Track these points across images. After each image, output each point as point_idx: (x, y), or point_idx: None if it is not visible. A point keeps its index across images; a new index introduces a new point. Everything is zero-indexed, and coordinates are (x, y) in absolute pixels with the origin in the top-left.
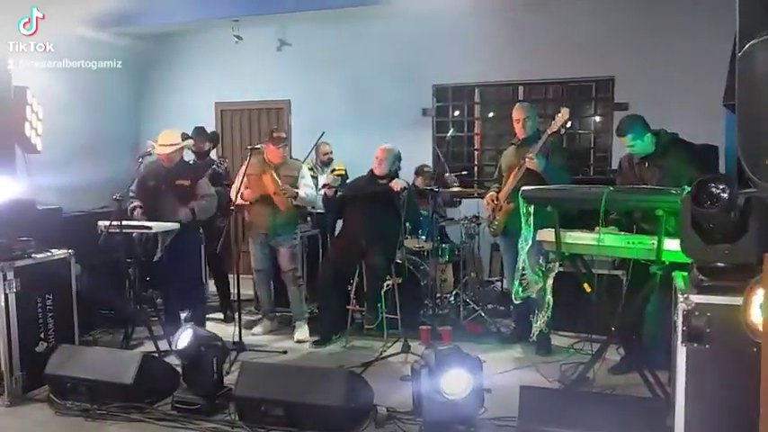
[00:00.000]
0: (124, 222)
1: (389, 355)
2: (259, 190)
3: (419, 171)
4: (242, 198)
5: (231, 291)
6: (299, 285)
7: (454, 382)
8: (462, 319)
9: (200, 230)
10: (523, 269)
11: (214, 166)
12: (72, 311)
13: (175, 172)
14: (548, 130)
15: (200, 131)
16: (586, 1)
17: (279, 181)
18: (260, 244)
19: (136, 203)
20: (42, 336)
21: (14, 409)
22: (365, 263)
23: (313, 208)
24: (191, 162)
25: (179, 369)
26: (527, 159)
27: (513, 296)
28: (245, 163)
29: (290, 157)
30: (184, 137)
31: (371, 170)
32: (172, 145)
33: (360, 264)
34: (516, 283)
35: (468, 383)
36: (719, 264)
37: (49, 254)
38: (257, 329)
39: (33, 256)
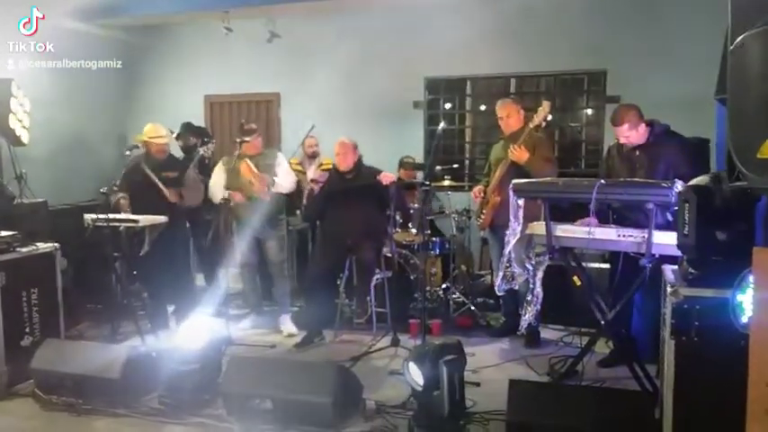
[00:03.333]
0: (111, 216)
1: (379, 349)
2: (242, 186)
3: (401, 163)
4: (233, 199)
5: (221, 285)
6: (285, 278)
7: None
8: (452, 313)
9: (188, 224)
10: (509, 261)
11: (200, 149)
12: (58, 305)
13: (163, 164)
14: (530, 124)
15: (187, 126)
16: None
17: (254, 168)
18: (246, 237)
19: (121, 195)
20: (28, 330)
21: None
22: (355, 257)
23: (299, 197)
24: (178, 156)
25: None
26: (510, 152)
27: (495, 289)
28: (225, 159)
29: (265, 149)
30: (171, 133)
31: (334, 167)
32: (164, 137)
33: (349, 258)
34: (500, 275)
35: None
36: (712, 257)
37: (34, 247)
38: (244, 324)
39: (18, 249)
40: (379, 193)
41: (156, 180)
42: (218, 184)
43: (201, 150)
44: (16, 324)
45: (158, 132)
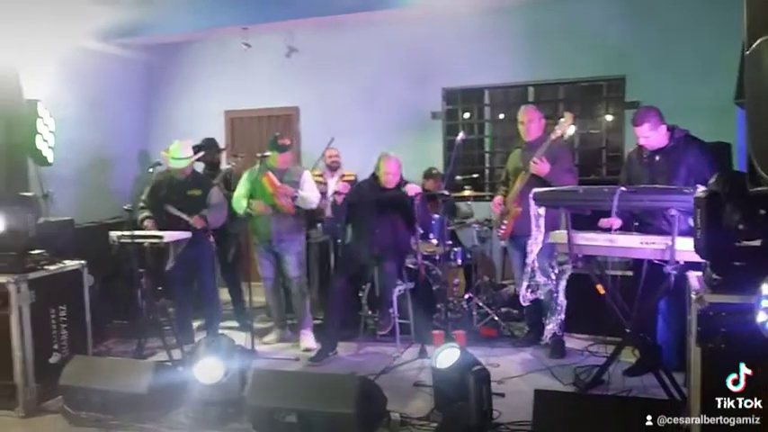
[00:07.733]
0: (135, 233)
1: (405, 362)
2: (265, 198)
3: (428, 174)
4: (252, 209)
5: (245, 298)
6: (303, 294)
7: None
8: (475, 323)
9: (212, 238)
10: (532, 272)
11: (227, 166)
12: (85, 322)
13: (187, 182)
14: (551, 135)
15: (212, 143)
16: (596, 0)
17: (276, 181)
18: (264, 251)
19: (146, 214)
20: (56, 347)
21: (28, 420)
22: (377, 268)
23: (321, 214)
24: (202, 172)
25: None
26: (532, 164)
27: (520, 299)
28: (250, 170)
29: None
30: (195, 149)
31: (373, 175)
32: (187, 158)
33: (372, 269)
34: (524, 284)
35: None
36: (735, 263)
37: (62, 265)
38: (269, 338)
39: (46, 267)
40: (408, 206)
41: (180, 214)
42: (241, 196)
43: (229, 165)
44: (45, 341)
45: (175, 153)
